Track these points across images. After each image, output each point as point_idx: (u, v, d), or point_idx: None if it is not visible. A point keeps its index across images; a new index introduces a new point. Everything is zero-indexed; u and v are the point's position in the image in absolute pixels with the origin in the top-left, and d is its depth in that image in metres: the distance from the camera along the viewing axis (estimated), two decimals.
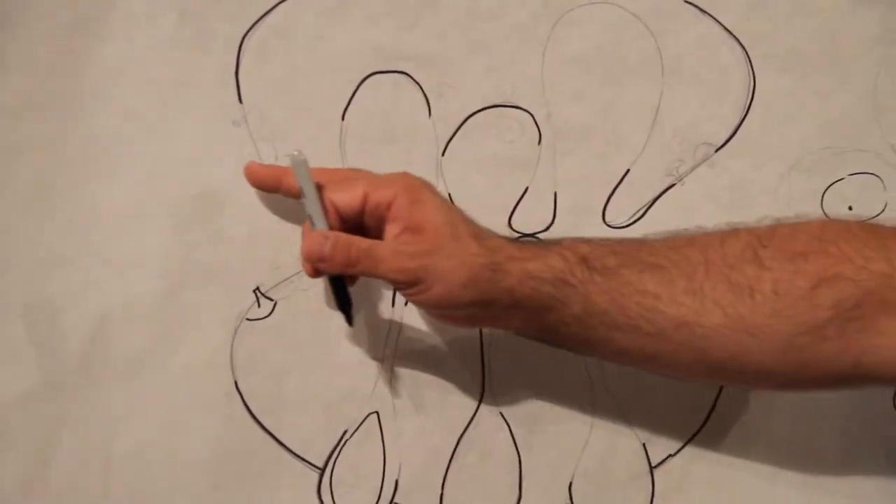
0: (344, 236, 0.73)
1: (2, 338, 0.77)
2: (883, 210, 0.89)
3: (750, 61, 0.86)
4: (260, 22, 0.79)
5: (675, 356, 0.76)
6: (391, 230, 0.74)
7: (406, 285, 0.73)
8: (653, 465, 0.87)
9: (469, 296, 0.74)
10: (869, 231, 0.74)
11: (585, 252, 0.75)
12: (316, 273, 0.75)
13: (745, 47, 0.86)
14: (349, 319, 0.79)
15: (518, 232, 0.85)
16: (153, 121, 0.79)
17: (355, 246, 0.73)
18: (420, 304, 0.76)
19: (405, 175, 0.76)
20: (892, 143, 0.88)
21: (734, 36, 0.86)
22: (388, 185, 0.75)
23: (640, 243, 0.77)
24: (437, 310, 0.75)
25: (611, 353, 0.78)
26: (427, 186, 0.76)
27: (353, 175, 0.77)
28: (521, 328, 0.79)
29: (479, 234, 0.75)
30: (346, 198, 0.75)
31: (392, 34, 0.81)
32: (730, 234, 0.76)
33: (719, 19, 0.85)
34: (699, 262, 0.74)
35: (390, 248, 0.73)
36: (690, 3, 0.85)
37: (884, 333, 0.71)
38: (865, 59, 0.87)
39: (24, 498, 0.77)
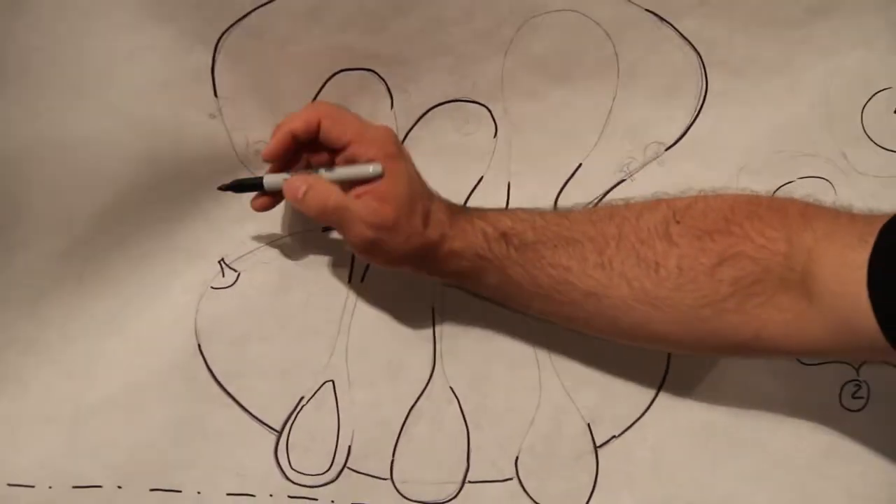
0: (323, 188, 0.76)
1: None
2: None
3: (704, 66, 0.85)
4: (235, 25, 0.79)
5: (589, 322, 0.78)
6: (359, 188, 0.76)
7: (358, 248, 0.77)
8: (597, 444, 0.87)
9: (402, 264, 0.78)
10: (774, 210, 0.74)
11: (506, 228, 0.77)
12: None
13: (700, 53, 0.84)
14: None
15: None
16: (139, 118, 0.79)
17: (332, 203, 0.75)
18: (359, 257, 0.80)
19: (387, 138, 0.77)
20: (843, 150, 0.87)
21: (690, 42, 0.84)
22: (371, 146, 0.76)
23: (563, 217, 0.78)
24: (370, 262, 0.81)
25: (532, 313, 0.81)
26: (402, 156, 0.78)
27: (346, 117, 0.78)
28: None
29: (428, 211, 0.77)
30: (332, 138, 0.77)
31: (361, 37, 0.81)
32: (649, 207, 0.77)
33: (677, 27, 0.84)
34: (612, 237, 0.75)
35: (358, 216, 0.75)
36: (650, 12, 0.83)
37: (782, 309, 0.72)
38: (818, 68, 0.85)
39: None
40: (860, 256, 0.66)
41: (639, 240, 0.75)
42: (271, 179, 0.78)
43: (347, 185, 0.76)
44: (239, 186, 0.80)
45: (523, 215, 0.79)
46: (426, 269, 0.79)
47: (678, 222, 0.75)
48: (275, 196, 0.79)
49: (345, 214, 0.75)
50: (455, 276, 0.80)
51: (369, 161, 0.75)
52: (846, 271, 0.67)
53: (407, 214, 0.76)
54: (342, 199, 0.75)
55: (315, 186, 0.76)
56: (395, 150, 0.77)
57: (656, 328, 0.76)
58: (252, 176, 0.80)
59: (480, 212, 0.80)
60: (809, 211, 0.73)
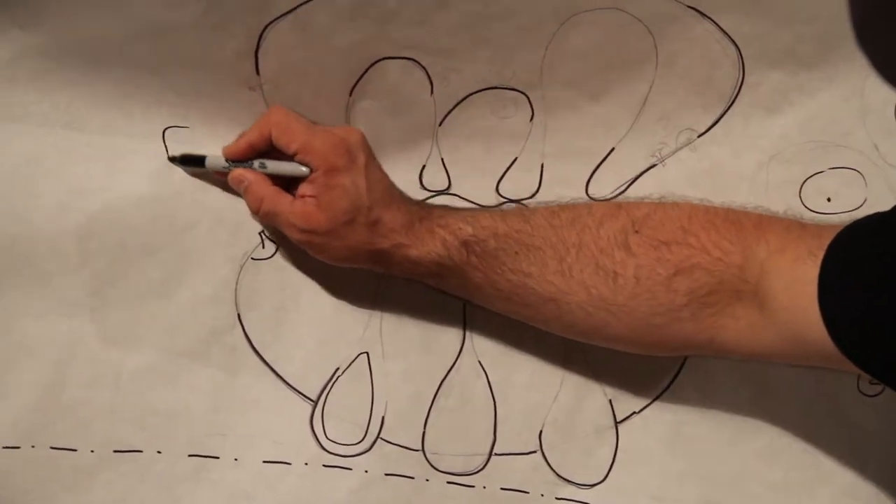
0: (257, 187, 0.76)
1: (26, 260, 0.76)
2: (862, 204, 0.84)
3: (742, 59, 0.81)
4: (281, 17, 0.75)
5: (547, 323, 0.78)
6: (303, 189, 0.75)
7: (296, 245, 0.77)
8: (618, 420, 0.84)
9: (345, 264, 0.77)
10: (730, 222, 0.73)
11: (467, 236, 0.75)
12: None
13: (740, 47, 0.80)
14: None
15: (504, 197, 0.83)
16: (176, 78, 0.76)
17: (263, 208, 0.76)
18: None
19: (335, 149, 0.75)
20: (876, 142, 0.83)
21: (730, 37, 0.80)
22: (315, 156, 0.74)
23: (524, 222, 0.76)
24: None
25: (493, 310, 0.80)
26: (349, 168, 0.75)
27: (294, 127, 0.75)
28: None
29: (376, 221, 0.75)
30: (281, 146, 0.75)
31: (403, 30, 0.77)
32: (609, 215, 0.75)
33: (719, 22, 0.80)
34: (573, 245, 0.74)
35: (288, 220, 0.75)
36: (693, 8, 0.79)
37: (736, 318, 0.71)
38: (855, 62, 0.80)
39: (38, 405, 0.76)
40: (810, 271, 0.66)
41: (598, 249, 0.73)
42: (213, 161, 0.77)
43: (293, 182, 0.76)
44: (184, 160, 0.77)
45: (485, 221, 0.76)
46: (379, 268, 0.78)
47: (637, 232, 0.73)
48: None
49: (275, 219, 0.76)
50: (412, 276, 0.78)
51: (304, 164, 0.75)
52: (797, 286, 0.66)
53: (345, 224, 0.74)
54: (272, 206, 0.75)
55: (253, 186, 0.76)
56: (341, 162, 0.74)
57: (612, 332, 0.75)
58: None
59: (443, 218, 0.77)
60: (763, 223, 0.72)
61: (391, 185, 0.78)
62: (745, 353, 0.73)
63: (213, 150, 0.78)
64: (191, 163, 0.78)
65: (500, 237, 0.75)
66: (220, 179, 0.78)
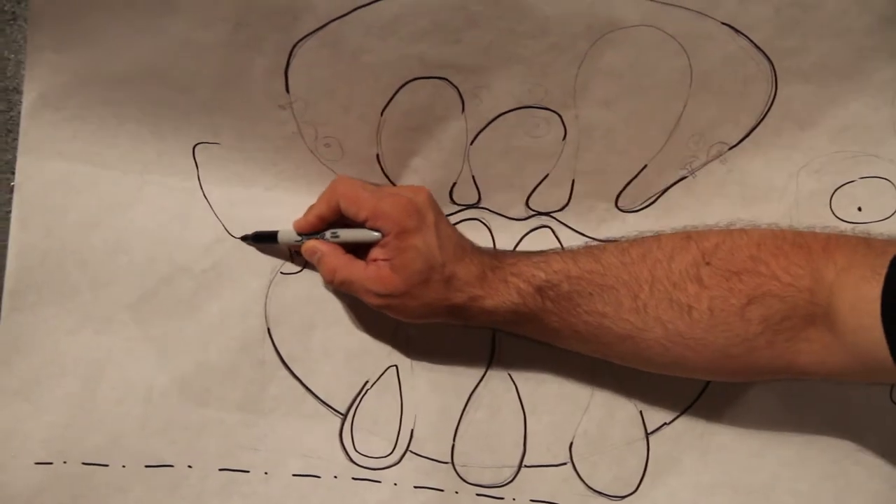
0: (329, 258, 0.76)
1: (57, 276, 0.76)
2: (893, 214, 0.82)
3: (775, 74, 0.79)
4: (311, 35, 0.74)
5: (625, 359, 0.77)
6: (376, 253, 0.75)
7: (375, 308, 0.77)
8: (648, 431, 0.83)
9: (423, 321, 0.77)
10: (798, 246, 0.71)
11: (541, 282, 0.75)
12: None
13: (773, 61, 0.78)
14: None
15: (534, 210, 0.82)
16: (206, 97, 0.76)
17: (337, 278, 0.76)
18: None
19: (404, 211, 0.74)
20: None
21: (763, 52, 0.78)
22: (386, 221, 0.74)
23: (595, 261, 0.75)
24: None
25: (570, 349, 0.79)
26: (419, 228, 0.74)
27: (361, 195, 0.76)
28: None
29: (451, 276, 0.74)
30: (350, 216, 0.76)
31: (435, 48, 0.75)
32: (680, 248, 0.74)
33: (752, 38, 0.77)
34: (645, 280, 0.73)
35: (363, 287, 0.75)
36: (727, 25, 0.77)
37: (811, 341, 0.70)
38: (887, 73, 0.79)
39: (70, 421, 0.77)
40: (874, 289, 0.64)
41: (671, 283, 0.72)
42: (285, 236, 0.78)
43: (364, 246, 0.76)
44: (256, 237, 0.79)
45: (557, 265, 0.75)
46: (456, 321, 0.78)
47: (708, 264, 0.72)
48: None
49: (350, 287, 0.76)
50: (489, 325, 0.79)
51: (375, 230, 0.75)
52: (862, 305, 0.65)
53: (421, 283, 0.74)
54: (346, 274, 0.75)
55: (325, 257, 0.77)
56: (412, 224, 0.74)
57: (691, 365, 0.74)
58: (272, 229, 0.79)
59: (515, 266, 0.76)
60: (831, 244, 0.71)
61: (461, 239, 0.77)
62: (822, 374, 0.72)
63: (245, 168, 0.78)
64: (263, 239, 0.78)
65: (573, 280, 0.74)
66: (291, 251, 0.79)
